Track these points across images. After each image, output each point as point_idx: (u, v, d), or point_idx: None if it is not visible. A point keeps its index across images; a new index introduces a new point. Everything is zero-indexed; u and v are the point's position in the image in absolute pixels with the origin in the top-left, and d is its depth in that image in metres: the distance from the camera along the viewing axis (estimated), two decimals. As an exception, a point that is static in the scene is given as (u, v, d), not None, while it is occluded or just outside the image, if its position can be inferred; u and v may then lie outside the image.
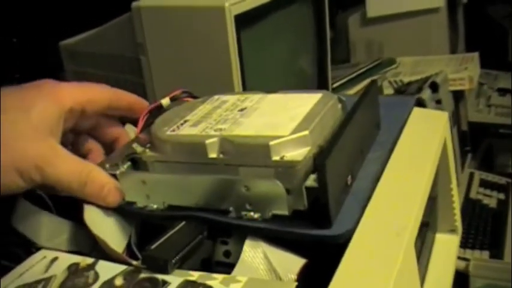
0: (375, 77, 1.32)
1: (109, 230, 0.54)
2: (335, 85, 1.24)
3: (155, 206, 0.53)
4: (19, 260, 0.54)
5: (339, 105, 0.58)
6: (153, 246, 0.47)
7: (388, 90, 1.36)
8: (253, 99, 0.60)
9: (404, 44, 1.50)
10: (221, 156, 0.51)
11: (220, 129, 0.53)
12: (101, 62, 1.00)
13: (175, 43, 0.88)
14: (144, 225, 0.57)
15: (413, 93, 1.26)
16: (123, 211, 0.55)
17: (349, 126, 0.50)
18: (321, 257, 0.47)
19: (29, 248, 0.56)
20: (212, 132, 0.53)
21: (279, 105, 0.57)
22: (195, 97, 0.65)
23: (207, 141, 0.51)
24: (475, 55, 1.37)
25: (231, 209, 0.49)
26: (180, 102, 0.64)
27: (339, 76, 1.31)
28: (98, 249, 0.55)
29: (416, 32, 1.49)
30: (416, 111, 0.65)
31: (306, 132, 0.50)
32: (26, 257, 0.54)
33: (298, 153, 0.49)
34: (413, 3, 1.47)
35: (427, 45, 1.49)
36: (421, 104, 1.12)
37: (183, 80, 0.89)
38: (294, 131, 0.50)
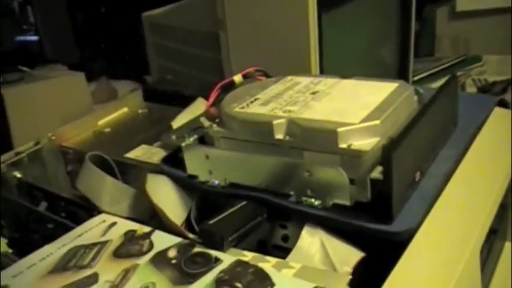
0: (458, 74, 1.27)
1: (169, 201, 0.54)
2: (416, 78, 1.19)
3: (216, 182, 0.53)
4: (81, 222, 0.55)
5: (415, 97, 0.56)
6: (211, 222, 0.47)
7: (471, 89, 1.30)
8: (327, 83, 0.58)
9: (491, 42, 1.42)
10: (287, 138, 0.50)
11: (289, 111, 0.52)
12: (181, 35, 1.00)
13: (254, 20, 0.86)
14: (205, 200, 0.57)
15: (497, 94, 1.21)
16: (185, 183, 0.55)
17: (422, 119, 0.48)
18: (379, 253, 0.45)
19: (91, 211, 0.58)
20: (280, 113, 0.52)
21: (352, 91, 0.55)
22: (268, 76, 0.64)
23: (275, 122, 0.50)
24: None
25: (291, 193, 0.48)
26: (253, 80, 0.63)
27: (421, 69, 1.26)
28: (156, 219, 0.56)
29: (505, 30, 1.42)
30: (498, 111, 0.62)
31: (377, 122, 0.48)
32: (88, 219, 0.55)
33: (366, 143, 0.47)
34: (504, -1, 1.40)
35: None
36: (505, 105, 1.07)
37: (260, 58, 0.88)
38: (364, 120, 0.48)
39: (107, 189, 0.58)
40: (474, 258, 0.45)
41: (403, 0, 1.03)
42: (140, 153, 0.66)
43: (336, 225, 0.46)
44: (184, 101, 0.78)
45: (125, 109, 0.80)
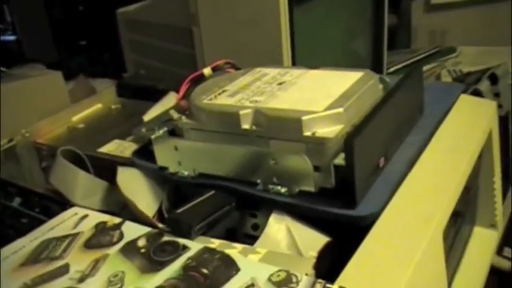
0: (433, 65, 1.28)
1: (140, 193, 0.55)
2: (391, 70, 1.20)
3: (186, 173, 0.54)
4: (55, 216, 0.56)
5: (381, 86, 0.57)
6: (178, 211, 0.47)
7: (446, 79, 1.31)
8: (294, 73, 0.59)
9: (467, 33, 1.44)
10: (254, 128, 0.51)
11: (256, 101, 0.53)
12: (155, 31, 1.00)
13: (227, 15, 0.87)
14: (176, 191, 0.57)
15: (471, 84, 1.22)
16: (155, 175, 0.56)
17: (385, 106, 0.49)
18: (344, 237, 0.46)
19: (64, 204, 0.58)
20: (247, 104, 0.53)
21: (317, 81, 0.56)
22: (237, 68, 0.65)
23: (241, 112, 0.51)
24: (541, 48, 1.31)
25: (258, 181, 0.49)
26: (223, 72, 0.64)
27: (396, 61, 1.28)
28: (127, 211, 0.56)
29: (481, 22, 1.43)
30: (464, 98, 0.63)
31: (340, 110, 0.49)
32: (61, 212, 0.56)
33: (330, 131, 0.48)
34: (480, -9, 1.41)
35: (491, 36, 1.42)
36: (478, 95, 1.08)
37: (233, 52, 0.88)
38: (328, 108, 0.49)
39: (79, 183, 0.58)
40: (437, 240, 0.46)
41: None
42: (113, 147, 0.67)
43: (302, 211, 0.47)
44: (158, 96, 0.78)
45: (99, 105, 0.80)
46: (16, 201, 0.63)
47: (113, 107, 0.80)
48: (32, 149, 0.73)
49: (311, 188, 0.47)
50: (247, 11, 0.85)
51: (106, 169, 0.63)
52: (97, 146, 0.68)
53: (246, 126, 0.51)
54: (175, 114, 0.56)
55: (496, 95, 1.19)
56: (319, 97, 0.52)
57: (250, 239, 0.51)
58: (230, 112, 0.52)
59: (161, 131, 0.56)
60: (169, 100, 0.68)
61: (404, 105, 0.55)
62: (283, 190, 0.48)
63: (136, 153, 0.59)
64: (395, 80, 0.57)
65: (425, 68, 1.29)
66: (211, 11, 0.89)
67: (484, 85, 1.17)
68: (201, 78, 0.63)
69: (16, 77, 1.23)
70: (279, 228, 0.47)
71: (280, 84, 0.57)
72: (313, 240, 0.46)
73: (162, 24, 0.99)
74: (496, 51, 1.35)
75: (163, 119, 0.59)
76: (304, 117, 0.48)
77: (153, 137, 0.55)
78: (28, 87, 1.17)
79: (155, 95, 0.79)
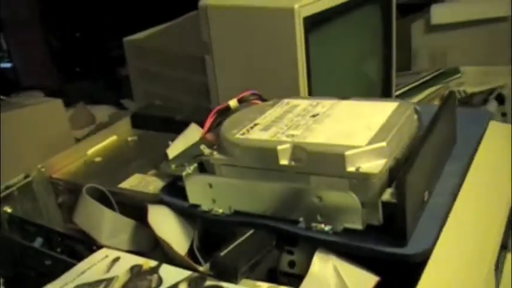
0: (438, 86, 1.28)
1: (172, 233, 0.53)
2: (397, 92, 1.20)
3: (221, 211, 0.52)
4: (80, 257, 0.54)
5: (415, 116, 0.56)
6: (222, 253, 0.45)
7: (450, 100, 1.31)
8: (326, 105, 0.58)
9: (468, 53, 1.44)
10: (292, 163, 0.50)
11: (292, 135, 0.51)
12: (165, 59, 0.99)
13: (240, 43, 0.86)
14: (207, 229, 0.55)
15: (478, 105, 1.22)
16: (188, 213, 0.54)
17: (429, 139, 0.48)
18: (394, 275, 0.45)
19: (90, 245, 0.56)
20: (284, 138, 0.51)
21: (352, 112, 0.55)
22: (263, 100, 0.63)
23: (279, 147, 0.50)
24: (543, 67, 1.31)
25: (300, 219, 0.48)
26: (249, 104, 0.63)
27: (400, 84, 1.28)
28: (158, 251, 0.54)
29: (481, 42, 1.44)
30: (493, 125, 0.62)
31: (384, 144, 0.48)
32: (87, 253, 0.54)
33: (374, 165, 0.47)
34: (479, 11, 1.42)
35: (492, 55, 1.43)
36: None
37: (247, 81, 0.87)
38: (371, 142, 0.48)
39: (105, 222, 0.56)
40: (491, 274, 0.44)
41: (384, 15, 1.04)
42: (135, 182, 0.65)
43: (348, 249, 0.46)
44: (175, 127, 0.77)
45: (114, 137, 0.78)
46: (38, 242, 0.60)
47: (129, 139, 0.78)
48: (48, 184, 0.71)
49: (358, 226, 0.45)
50: (261, 39, 0.84)
51: (130, 206, 0.62)
52: (117, 181, 0.66)
53: (284, 162, 0.50)
54: (206, 150, 0.55)
55: (503, 115, 1.19)
56: (358, 130, 0.51)
57: (288, 277, 0.49)
58: (267, 148, 0.51)
59: (192, 168, 0.55)
60: (192, 133, 0.66)
61: (443, 135, 0.53)
62: (327, 228, 0.47)
63: (164, 190, 0.57)
64: (427, 109, 0.56)
65: (430, 90, 1.30)
66: (224, 39, 0.88)
67: (492, 106, 1.17)
68: (227, 111, 0.61)
69: (15, 105, 1.22)
70: (325, 268, 0.46)
71: (313, 116, 0.55)
72: (363, 280, 0.45)
73: (172, 52, 0.98)
74: (497, 70, 1.35)
75: (192, 153, 0.58)
76: (347, 152, 0.47)
77: (184, 174, 0.54)
78: (29, 115, 1.15)
79: (172, 126, 0.77)
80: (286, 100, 0.61)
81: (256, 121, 0.56)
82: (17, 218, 0.64)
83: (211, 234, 0.55)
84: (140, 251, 0.54)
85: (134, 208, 0.60)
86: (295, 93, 0.84)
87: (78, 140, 1.51)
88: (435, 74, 1.32)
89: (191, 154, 0.58)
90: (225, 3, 0.87)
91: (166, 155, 0.63)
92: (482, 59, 1.41)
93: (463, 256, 0.44)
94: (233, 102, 0.62)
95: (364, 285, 0.44)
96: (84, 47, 1.95)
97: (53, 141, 1.33)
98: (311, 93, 0.85)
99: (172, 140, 0.73)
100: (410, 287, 0.41)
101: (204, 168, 0.55)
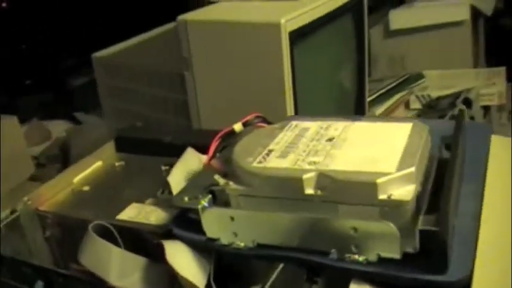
0: (404, 92, 1.30)
1: (190, 269, 0.51)
2: (368, 99, 1.21)
3: (242, 244, 0.50)
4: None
5: (430, 137, 0.55)
6: (261, 293, 0.43)
7: (415, 105, 1.34)
8: (338, 127, 0.56)
9: (427, 58, 1.48)
10: (318, 192, 0.48)
11: (314, 163, 0.50)
12: (139, 76, 0.96)
13: (223, 59, 0.84)
14: (220, 263, 0.53)
15: (445, 109, 1.25)
16: (205, 248, 0.52)
17: (455, 164, 0.48)
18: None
19: (100, 286, 0.53)
20: (306, 166, 0.50)
21: (369, 135, 0.54)
22: (268, 122, 0.61)
23: (304, 176, 0.48)
24: (502, 70, 1.35)
25: (332, 250, 0.46)
26: (253, 127, 0.61)
27: (370, 91, 1.29)
28: (177, 288, 0.52)
29: (440, 46, 1.47)
30: (497, 139, 0.63)
31: (413, 169, 0.47)
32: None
33: (405, 192, 0.46)
34: (437, 16, 1.45)
35: (450, 59, 1.46)
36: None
37: (230, 98, 0.86)
38: (400, 168, 0.47)
39: (114, 261, 0.53)
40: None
41: (357, 25, 1.04)
42: (133, 213, 0.62)
43: (386, 279, 0.45)
44: (163, 150, 0.74)
45: (99, 163, 0.75)
46: (39, 285, 0.56)
47: (116, 164, 0.74)
48: (35, 217, 0.67)
49: (396, 255, 0.44)
50: (245, 54, 0.83)
51: (134, 240, 0.59)
52: (112, 212, 0.62)
53: (309, 191, 0.48)
54: (221, 180, 0.52)
55: (471, 118, 1.22)
56: (382, 155, 0.49)
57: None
58: (291, 177, 0.49)
59: (206, 200, 0.52)
60: (190, 158, 0.64)
61: (462, 157, 0.53)
62: (361, 258, 0.45)
63: (175, 223, 0.54)
64: (433, 124, 0.56)
65: (396, 97, 1.31)
66: (205, 55, 0.86)
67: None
68: (232, 135, 0.59)
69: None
70: (363, 300, 0.44)
71: (329, 140, 0.54)
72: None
73: (147, 68, 0.95)
74: (460, 74, 1.38)
75: (200, 183, 0.55)
76: (379, 180, 0.46)
77: (200, 207, 0.51)
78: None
79: (159, 149, 0.75)
80: (294, 122, 0.59)
81: (270, 147, 0.54)
82: (11, 260, 0.59)
83: (224, 267, 0.53)
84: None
85: (137, 242, 0.57)
86: (281, 108, 0.82)
87: (35, 158, 1.45)
88: (400, 80, 1.33)
89: (200, 184, 0.55)
90: (206, 18, 0.85)
91: (167, 184, 0.60)
92: (441, 63, 1.44)
93: (502, 280, 0.44)
94: (238, 126, 0.60)
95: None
96: (31, 59, 1.88)
97: (11, 158, 1.27)
98: (297, 107, 0.84)
99: (165, 165, 0.71)
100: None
101: (216, 199, 0.53)
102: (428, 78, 1.38)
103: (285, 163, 0.51)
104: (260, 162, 0.52)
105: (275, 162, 0.51)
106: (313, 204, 0.48)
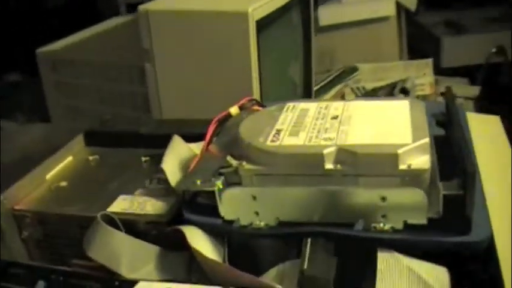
0: (341, 84, 1.34)
1: (210, 253, 0.50)
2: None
3: (262, 223, 0.50)
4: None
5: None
6: (306, 267, 0.43)
7: (350, 97, 1.38)
8: (337, 107, 0.58)
9: (356, 52, 1.52)
10: (338, 166, 0.49)
11: (330, 139, 0.51)
12: (90, 70, 0.92)
13: (186, 49, 0.83)
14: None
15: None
16: (223, 231, 0.51)
17: (464, 133, 0.50)
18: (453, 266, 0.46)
19: (110, 281, 0.50)
20: (323, 142, 0.50)
21: (373, 113, 0.56)
22: (262, 105, 0.62)
23: (325, 151, 0.49)
24: (429, 61, 1.42)
25: (359, 221, 0.47)
26: (248, 111, 0.61)
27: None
28: (195, 275, 0.51)
29: (368, 40, 1.53)
30: (472, 116, 0.66)
31: (427, 140, 0.49)
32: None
33: (422, 161, 0.48)
34: (365, 12, 1.50)
35: (378, 53, 1.52)
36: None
37: (194, 88, 0.85)
38: (415, 139, 0.49)
39: (127, 251, 0.51)
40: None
41: (304, 14, 1.06)
42: (125, 205, 0.59)
43: (413, 245, 0.46)
44: (140, 141, 0.72)
45: (70, 158, 0.71)
46: (40, 285, 0.53)
47: (90, 158, 0.71)
48: (11, 217, 0.63)
49: (423, 221, 0.46)
50: (210, 43, 0.82)
51: (132, 232, 0.56)
52: (100, 206, 0.59)
53: (329, 166, 0.49)
54: (233, 161, 0.52)
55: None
56: (393, 129, 0.51)
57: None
58: (311, 153, 0.49)
59: (219, 182, 0.51)
60: (178, 145, 0.63)
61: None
62: (386, 227, 0.47)
63: (186, 208, 0.53)
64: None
65: (336, 89, 1.35)
66: (168, 46, 0.84)
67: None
68: (228, 119, 0.59)
69: None
70: (394, 267, 0.46)
71: (335, 118, 0.55)
72: (440, 274, 0.45)
73: (99, 62, 0.91)
74: (389, 66, 1.44)
75: (207, 167, 0.54)
76: (400, 151, 0.47)
77: (216, 189, 0.50)
78: None
79: (135, 141, 0.73)
80: (290, 104, 0.60)
81: (277, 127, 0.54)
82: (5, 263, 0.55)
83: (234, 249, 0.53)
84: (175, 278, 0.50)
85: (136, 234, 0.55)
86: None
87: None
88: (338, 73, 1.37)
89: (206, 168, 0.54)
90: (169, 8, 0.83)
91: (163, 171, 0.59)
92: (369, 57, 1.50)
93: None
94: (234, 110, 0.59)
95: (442, 279, 0.45)
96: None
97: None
98: (261, 95, 0.84)
99: (145, 156, 0.69)
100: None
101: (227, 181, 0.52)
102: (361, 71, 1.43)
103: (299, 141, 0.51)
104: (273, 141, 0.52)
105: (290, 141, 0.52)
106: (333, 179, 0.49)
